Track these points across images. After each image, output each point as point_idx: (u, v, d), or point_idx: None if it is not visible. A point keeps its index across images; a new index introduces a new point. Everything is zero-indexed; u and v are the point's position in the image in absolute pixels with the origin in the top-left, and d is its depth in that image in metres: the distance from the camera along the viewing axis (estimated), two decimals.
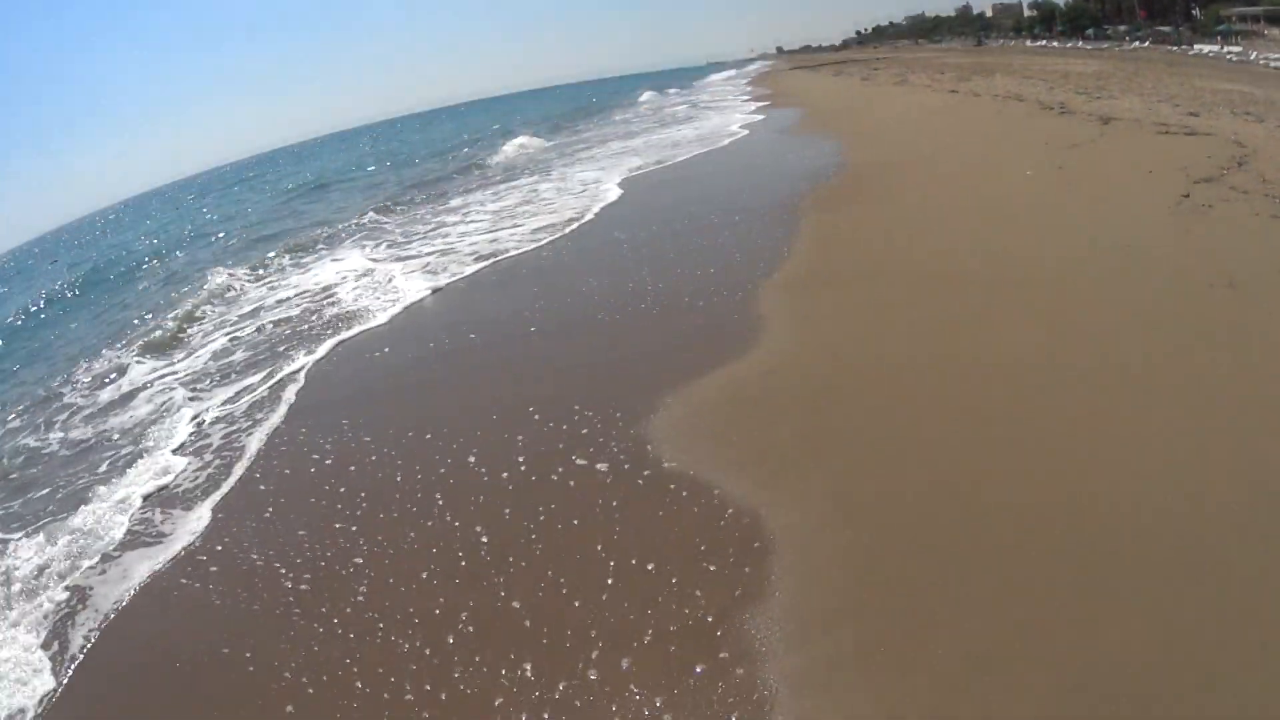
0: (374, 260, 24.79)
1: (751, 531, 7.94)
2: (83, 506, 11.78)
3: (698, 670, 6.57)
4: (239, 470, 12.07)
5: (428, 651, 7.45)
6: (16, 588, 9.96)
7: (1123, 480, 7.47)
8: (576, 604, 7.56)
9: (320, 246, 30.73)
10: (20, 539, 11.34)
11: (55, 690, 8.02)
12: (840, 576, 7.17)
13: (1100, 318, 10.53)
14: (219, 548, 9.99)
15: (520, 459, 10.08)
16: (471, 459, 10.39)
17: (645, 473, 9.18)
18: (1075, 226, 14.43)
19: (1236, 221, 12.83)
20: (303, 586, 8.80)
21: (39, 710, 7.77)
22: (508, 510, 9.12)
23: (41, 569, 10.29)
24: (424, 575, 8.44)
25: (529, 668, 7.01)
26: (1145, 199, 15.13)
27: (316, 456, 11.80)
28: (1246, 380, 8.42)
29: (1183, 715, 5.30)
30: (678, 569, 7.66)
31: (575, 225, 23.94)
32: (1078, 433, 8.25)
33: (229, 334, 20.79)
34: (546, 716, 6.52)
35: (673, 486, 8.82)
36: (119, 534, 10.82)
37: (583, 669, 6.88)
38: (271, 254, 31.20)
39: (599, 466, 9.53)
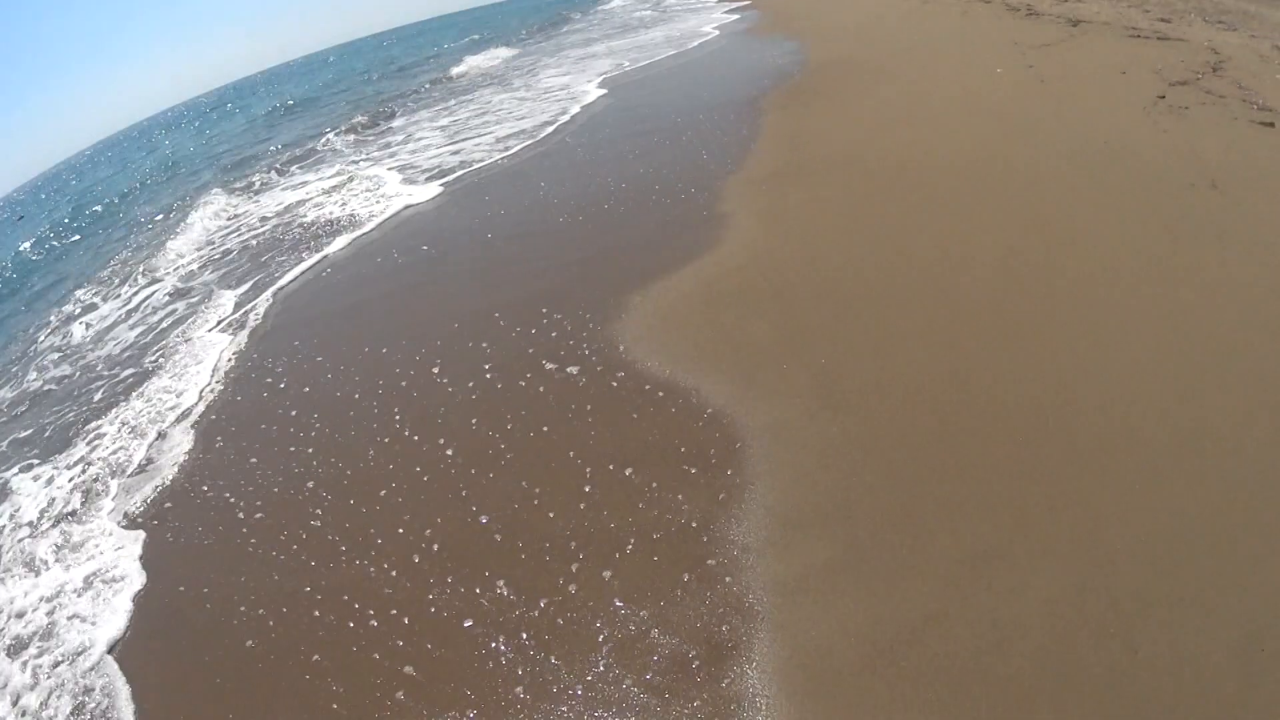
0: (344, 178, 23.40)
1: (733, 432, 7.20)
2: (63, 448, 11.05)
3: (684, 579, 5.90)
4: (207, 397, 11.18)
5: (393, 574, 6.72)
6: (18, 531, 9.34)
7: (1114, 372, 6.75)
8: (551, 515, 6.84)
9: (292, 168, 29.07)
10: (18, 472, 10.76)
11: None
12: (828, 476, 6.46)
13: (1080, 210, 9.68)
14: (164, 485, 9.24)
15: (486, 367, 9.23)
16: (435, 370, 9.54)
17: (619, 374, 8.38)
18: (1048, 124, 13.44)
19: (1214, 125, 11.91)
20: (258, 515, 8.00)
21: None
22: (474, 421, 8.32)
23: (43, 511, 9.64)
24: (383, 494, 7.67)
25: (503, 585, 6.31)
26: (1119, 99, 14.12)
27: (270, 380, 10.88)
28: (1233, 275, 7.68)
29: (1190, 615, 4.72)
30: (657, 474, 6.92)
31: (549, 130, 22.53)
32: (1065, 324, 7.49)
33: (199, 262, 19.69)
34: (525, 636, 5.86)
35: (648, 388, 8.03)
36: (86, 470, 10.07)
37: (562, 584, 6.19)
38: (244, 179, 29.58)
39: (570, 370, 8.71)
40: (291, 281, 15.19)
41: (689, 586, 5.80)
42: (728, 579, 5.76)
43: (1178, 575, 4.94)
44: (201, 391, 11.33)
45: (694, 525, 6.29)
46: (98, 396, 12.63)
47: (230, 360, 12.18)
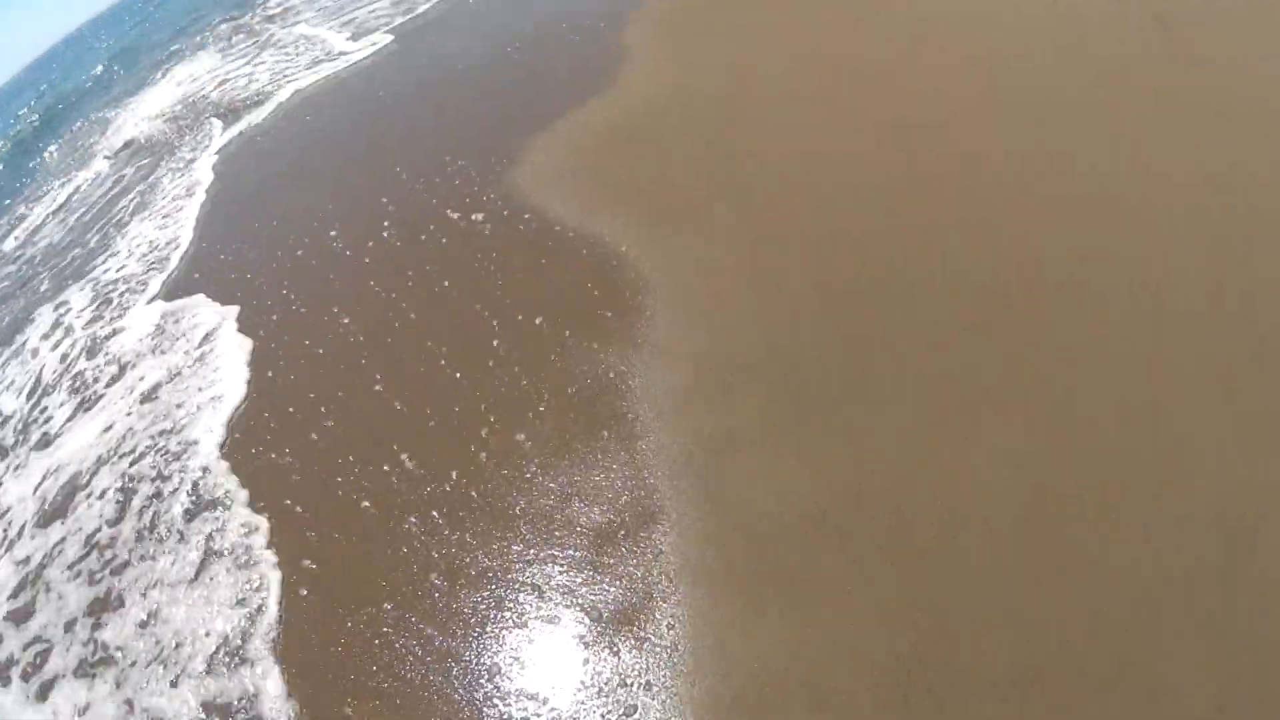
0: (246, 55, 20.45)
1: (651, 273, 5.88)
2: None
3: (604, 438, 4.77)
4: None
5: (289, 458, 5.49)
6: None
7: (1069, 209, 5.44)
8: (459, 376, 5.59)
9: (228, 44, 25.47)
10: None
11: None
12: (761, 321, 5.20)
13: (1022, 43, 7.97)
14: None
15: (386, 224, 7.69)
16: (332, 234, 7.96)
17: (526, 219, 6.94)
18: None
19: None
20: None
21: None
22: (373, 283, 6.88)
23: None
24: (270, 375, 6.32)
25: (409, 460, 5.12)
26: None
27: None
28: (1181, 99, 6.32)
29: (1171, 494, 3.73)
30: (571, 322, 5.65)
31: None
32: (1017, 154, 6.04)
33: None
34: (436, 515, 4.74)
35: (558, 230, 6.63)
36: None
37: (474, 452, 5.02)
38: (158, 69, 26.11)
39: (475, 218, 7.23)
40: (202, 164, 13.05)
41: (610, 447, 4.67)
42: (652, 436, 4.63)
43: (1155, 452, 3.91)
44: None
45: (612, 377, 5.10)
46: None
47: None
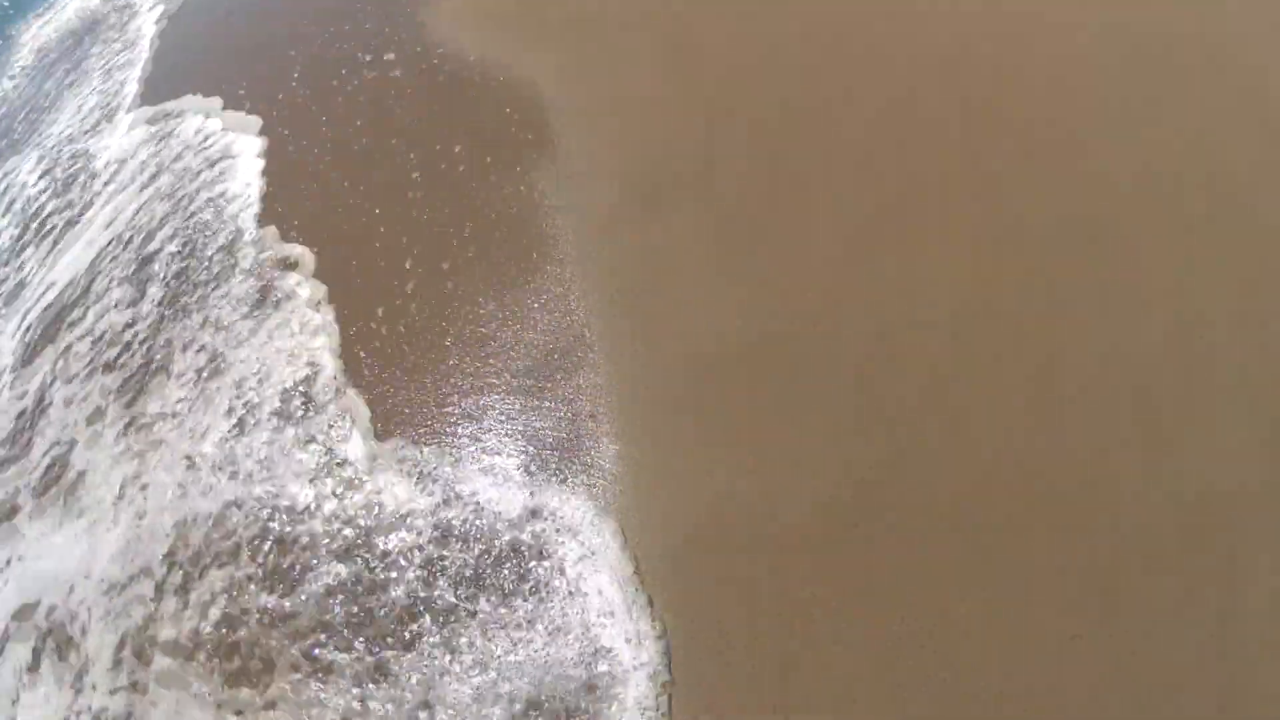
0: None
1: (571, 98, 5.28)
2: None
3: (532, 259, 4.28)
4: None
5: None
6: None
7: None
8: (378, 211, 5.01)
9: None
10: None
11: None
12: (683, 140, 4.72)
13: None
14: None
15: (295, 74, 6.81)
16: (240, 93, 7.06)
17: (439, 52, 6.15)
18: None
19: None
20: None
21: None
22: (286, 131, 6.14)
23: None
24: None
25: (327, 307, 4.61)
26: None
27: None
28: None
29: (1120, 297, 3.43)
30: (491, 148, 5.07)
31: None
32: None
33: None
34: (363, 354, 4.29)
35: (472, 59, 5.89)
36: None
37: (398, 285, 4.53)
38: None
39: (386, 57, 6.41)
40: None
41: (537, 267, 4.23)
42: (581, 257, 4.23)
43: (1101, 254, 3.51)
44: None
45: (535, 198, 4.63)
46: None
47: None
